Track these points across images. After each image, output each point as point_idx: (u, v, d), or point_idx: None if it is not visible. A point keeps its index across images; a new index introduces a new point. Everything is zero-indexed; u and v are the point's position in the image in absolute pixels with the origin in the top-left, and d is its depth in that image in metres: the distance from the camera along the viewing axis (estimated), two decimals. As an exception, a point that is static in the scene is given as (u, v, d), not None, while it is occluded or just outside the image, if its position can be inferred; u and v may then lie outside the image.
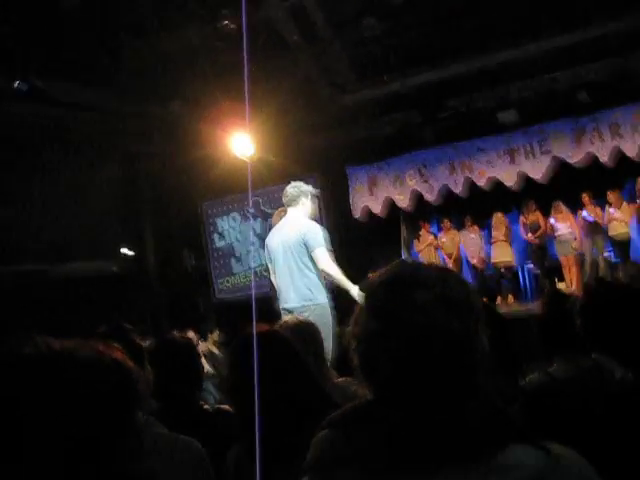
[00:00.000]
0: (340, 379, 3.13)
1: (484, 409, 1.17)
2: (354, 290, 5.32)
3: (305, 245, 5.53)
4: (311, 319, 5.14)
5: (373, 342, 1.18)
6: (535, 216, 11.55)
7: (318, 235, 5.57)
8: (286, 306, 5.56)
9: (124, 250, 12.31)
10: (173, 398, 2.86)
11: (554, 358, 2.90)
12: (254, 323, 2.31)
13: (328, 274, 5.48)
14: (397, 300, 1.16)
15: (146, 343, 3.09)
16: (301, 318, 3.33)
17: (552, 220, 11.27)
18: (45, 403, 1.14)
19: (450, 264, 11.60)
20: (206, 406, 3.10)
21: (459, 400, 1.14)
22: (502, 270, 11.82)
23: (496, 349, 1.23)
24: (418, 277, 1.19)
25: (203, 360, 7.85)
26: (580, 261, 11.11)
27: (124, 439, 1.23)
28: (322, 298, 5.51)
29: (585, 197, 11.01)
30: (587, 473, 1.18)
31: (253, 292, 11.83)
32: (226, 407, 2.96)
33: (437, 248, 12.30)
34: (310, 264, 5.57)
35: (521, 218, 11.78)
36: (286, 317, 3.29)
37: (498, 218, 11.80)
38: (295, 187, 5.82)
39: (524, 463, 1.11)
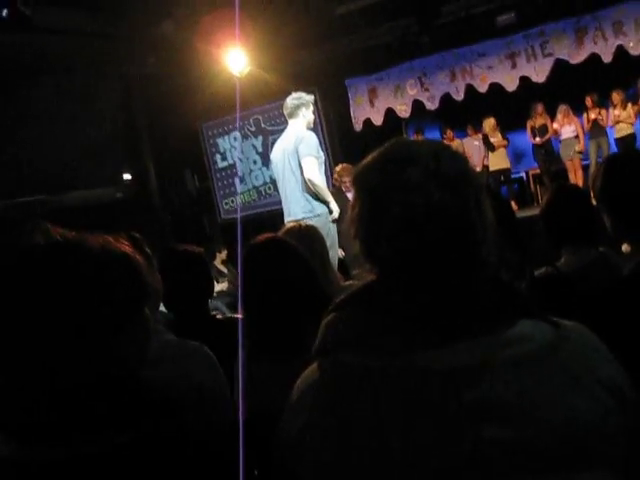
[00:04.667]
0: (346, 282, 3.14)
1: (491, 284, 1.16)
2: (333, 204, 5.62)
3: (298, 154, 5.62)
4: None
5: (368, 225, 1.15)
6: (543, 119, 11.44)
7: (310, 144, 5.67)
8: (289, 219, 5.69)
9: (126, 175, 12.27)
10: (184, 306, 2.88)
11: (561, 252, 2.90)
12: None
13: (312, 183, 5.59)
14: (389, 180, 1.12)
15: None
16: (303, 223, 3.33)
17: (556, 124, 11.20)
18: (55, 289, 1.14)
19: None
20: (218, 315, 3.12)
21: (464, 276, 1.12)
22: (501, 178, 11.80)
23: (500, 226, 1.21)
24: (409, 155, 1.14)
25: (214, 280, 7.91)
26: (585, 165, 11.08)
27: (133, 329, 1.24)
28: (321, 209, 5.58)
29: (588, 99, 10.91)
30: (597, 345, 1.18)
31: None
32: (237, 316, 2.98)
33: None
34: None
35: (529, 122, 11.68)
36: (288, 224, 3.30)
37: (489, 124, 11.70)
38: (295, 98, 5.84)
39: (534, 336, 1.11)
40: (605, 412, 1.08)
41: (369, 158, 1.20)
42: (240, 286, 2.35)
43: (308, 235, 2.99)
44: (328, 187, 6.00)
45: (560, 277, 2.72)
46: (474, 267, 1.13)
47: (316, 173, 5.56)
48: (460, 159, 1.18)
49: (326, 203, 5.64)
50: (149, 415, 1.27)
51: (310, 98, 5.95)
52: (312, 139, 5.71)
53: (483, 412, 1.06)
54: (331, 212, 5.65)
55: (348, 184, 6.98)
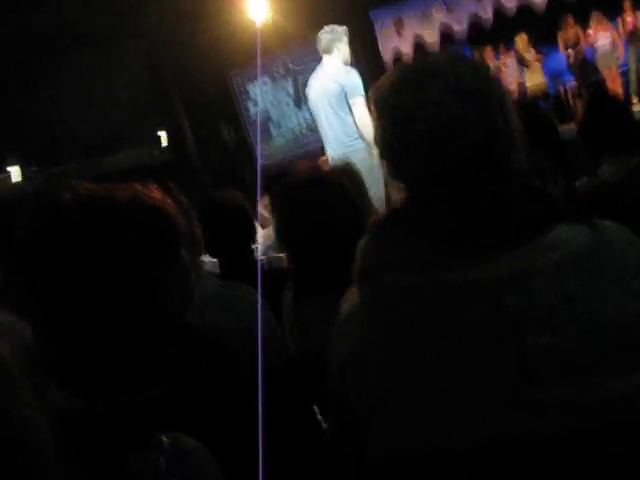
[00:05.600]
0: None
1: (524, 192, 1.14)
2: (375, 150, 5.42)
3: (345, 93, 5.51)
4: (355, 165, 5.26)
5: (393, 145, 1.14)
6: (574, 30, 11.10)
7: (357, 83, 5.55)
8: (330, 152, 5.68)
9: (162, 134, 12.30)
10: (227, 253, 2.89)
11: (601, 163, 2.85)
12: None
13: (363, 123, 5.47)
14: (409, 97, 1.10)
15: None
16: (339, 162, 3.30)
17: (591, 32, 10.86)
18: (85, 243, 1.15)
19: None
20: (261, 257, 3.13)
21: (495, 187, 1.10)
22: (538, 95, 11.52)
23: (530, 133, 1.18)
24: (428, 69, 1.12)
25: (259, 227, 7.94)
26: (623, 72, 10.77)
27: (171, 274, 1.25)
28: (362, 143, 5.52)
29: (626, 3, 10.53)
30: (636, 241, 1.15)
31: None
32: (281, 256, 2.98)
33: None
34: (349, 111, 5.57)
35: (560, 34, 11.32)
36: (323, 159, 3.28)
37: (522, 40, 11.37)
38: (328, 32, 5.75)
39: (573, 239, 1.09)
40: None
41: (386, 77, 1.18)
42: (280, 224, 2.33)
43: (346, 171, 2.97)
44: None
45: (601, 186, 2.67)
46: (505, 177, 1.11)
47: (367, 113, 5.44)
48: (480, 68, 1.15)
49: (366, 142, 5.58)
50: (202, 359, 1.29)
51: (343, 29, 5.81)
52: (357, 77, 5.60)
53: (527, 320, 1.05)
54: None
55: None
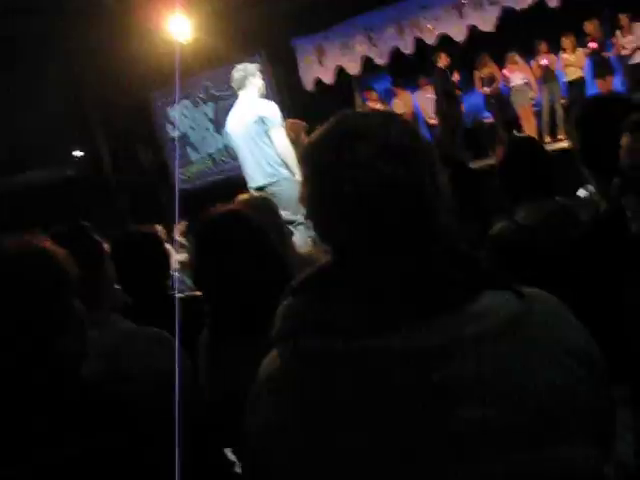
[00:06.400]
0: (305, 250, 3.11)
1: (451, 256, 1.12)
2: (298, 176, 5.51)
3: (264, 125, 5.63)
4: (280, 194, 5.31)
5: (320, 207, 1.11)
6: (490, 69, 11.44)
7: (275, 113, 5.71)
8: (253, 185, 5.77)
9: (77, 153, 12.05)
10: (141, 289, 2.82)
11: (518, 205, 2.88)
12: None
13: (284, 152, 5.61)
14: (338, 158, 1.07)
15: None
16: (255, 194, 3.30)
17: (506, 72, 11.21)
18: None
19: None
20: (178, 294, 3.07)
21: (422, 251, 1.08)
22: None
23: (461, 197, 1.17)
24: (358, 130, 1.09)
25: (174, 252, 7.80)
26: (537, 111, 11.13)
27: (60, 325, 1.22)
28: (285, 172, 5.61)
29: (541, 45, 10.93)
30: (563, 313, 1.14)
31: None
32: (198, 294, 2.93)
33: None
34: (269, 142, 5.67)
35: (476, 73, 11.65)
36: (241, 196, 3.24)
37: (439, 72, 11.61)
38: (240, 70, 5.94)
39: (499, 309, 1.07)
40: (576, 382, 1.05)
41: (316, 136, 1.15)
42: (195, 263, 2.28)
43: (261, 205, 2.95)
44: None
45: (520, 230, 2.71)
46: (432, 240, 1.09)
47: (287, 142, 5.65)
48: (410, 130, 1.13)
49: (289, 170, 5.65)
50: (97, 421, 1.25)
51: (255, 66, 6.03)
52: (275, 108, 5.78)
53: (452, 391, 1.02)
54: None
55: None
